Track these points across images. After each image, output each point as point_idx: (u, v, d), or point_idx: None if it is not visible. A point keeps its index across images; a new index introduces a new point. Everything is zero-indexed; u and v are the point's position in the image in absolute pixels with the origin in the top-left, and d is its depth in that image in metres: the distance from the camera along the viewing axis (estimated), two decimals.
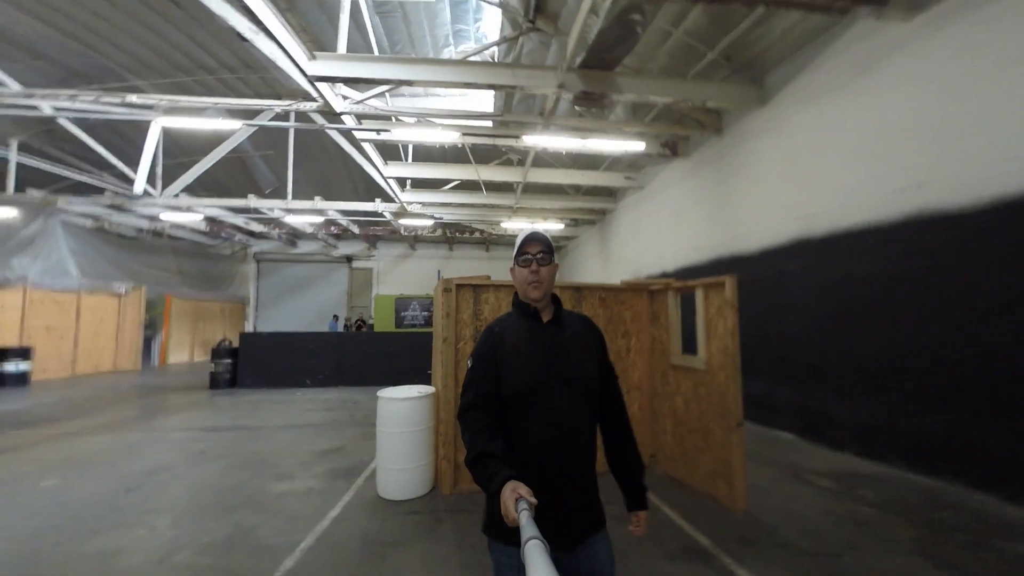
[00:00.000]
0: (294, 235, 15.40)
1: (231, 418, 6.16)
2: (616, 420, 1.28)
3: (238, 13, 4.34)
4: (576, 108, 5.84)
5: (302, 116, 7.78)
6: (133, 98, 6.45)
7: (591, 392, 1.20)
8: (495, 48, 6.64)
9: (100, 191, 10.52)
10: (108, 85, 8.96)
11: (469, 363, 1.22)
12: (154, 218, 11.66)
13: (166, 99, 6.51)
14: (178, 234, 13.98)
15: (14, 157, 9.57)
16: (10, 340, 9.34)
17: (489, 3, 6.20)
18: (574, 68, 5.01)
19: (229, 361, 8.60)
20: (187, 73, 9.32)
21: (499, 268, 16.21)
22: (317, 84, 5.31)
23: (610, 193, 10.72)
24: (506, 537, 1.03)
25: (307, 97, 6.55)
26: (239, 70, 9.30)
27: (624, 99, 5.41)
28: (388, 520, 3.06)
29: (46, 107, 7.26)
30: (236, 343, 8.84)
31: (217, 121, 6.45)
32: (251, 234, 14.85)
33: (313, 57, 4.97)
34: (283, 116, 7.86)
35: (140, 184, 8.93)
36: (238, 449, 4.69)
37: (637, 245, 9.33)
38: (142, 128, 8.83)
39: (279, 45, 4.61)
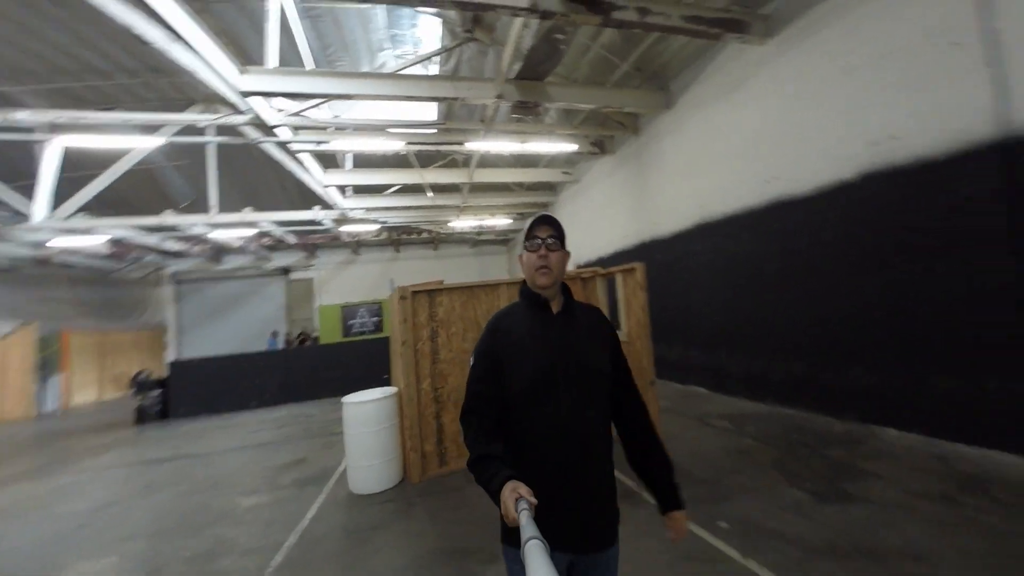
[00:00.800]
0: (219, 251, 14.38)
1: (171, 448, 5.90)
2: (637, 416, 1.24)
3: (147, 21, 4.20)
4: (513, 115, 6.38)
5: (226, 127, 7.48)
6: (22, 115, 5.87)
7: (603, 385, 1.17)
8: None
9: None
10: None
11: (471, 361, 1.20)
12: (39, 245, 10.33)
13: (64, 115, 6.00)
14: (71, 260, 12.45)
15: None
16: None
17: (427, 13, 6.50)
18: (511, 80, 5.51)
19: (158, 392, 8.04)
20: (75, 78, 8.44)
21: (449, 267, 16.43)
22: (248, 99, 5.28)
23: (551, 188, 11.44)
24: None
25: (228, 104, 6.34)
26: (140, 73, 8.59)
27: (555, 106, 6.03)
28: (364, 511, 3.35)
29: None
30: (156, 373, 8.27)
31: (130, 139, 6.08)
32: (165, 254, 13.63)
33: (245, 71, 4.95)
34: (196, 127, 7.46)
35: (41, 212, 8.01)
36: (188, 476, 4.62)
37: (577, 234, 10.13)
38: (22, 145, 7.89)
39: (201, 58, 4.56)
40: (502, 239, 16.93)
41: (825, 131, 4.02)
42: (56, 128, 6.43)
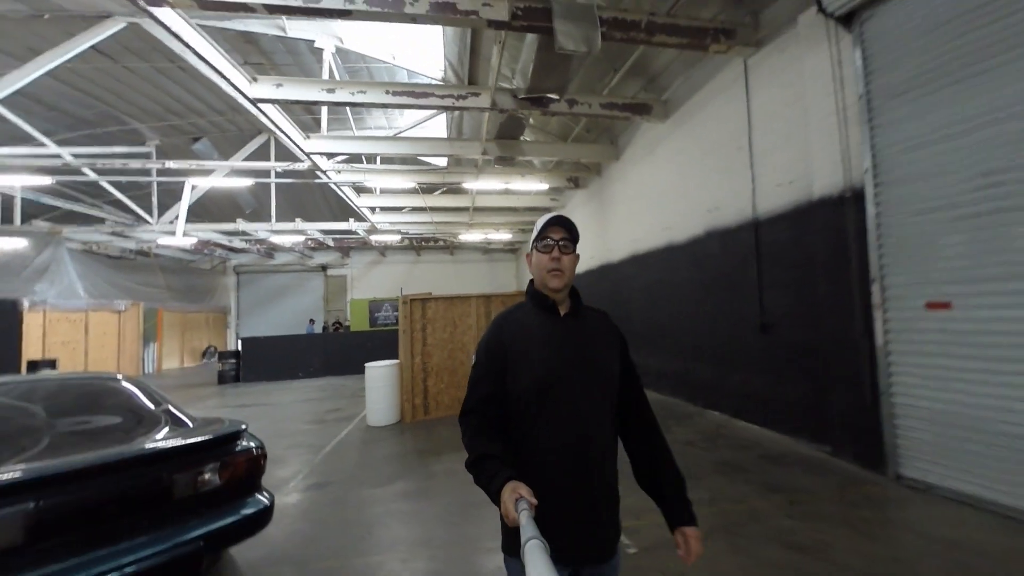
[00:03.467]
0: (272, 248, 17.74)
1: (252, 399, 8.78)
2: (646, 426, 1.22)
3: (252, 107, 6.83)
4: (496, 165, 8.68)
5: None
6: (170, 164, 8.90)
7: (612, 391, 1.17)
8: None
9: (97, 219, 12.77)
10: (108, 128, 11.24)
11: (473, 359, 1.21)
12: (146, 241, 13.89)
13: (195, 164, 8.98)
14: (163, 252, 16.17)
15: (18, 193, 11.68)
16: (36, 354, 11.58)
17: (433, 79, 8.93)
18: (491, 140, 7.83)
19: (234, 361, 11.15)
20: (180, 116, 11.66)
21: (464, 270, 19.00)
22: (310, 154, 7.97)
23: (546, 209, 13.64)
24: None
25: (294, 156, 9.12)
26: (225, 112, 11.69)
27: (527, 159, 8.29)
28: (374, 432, 5.85)
29: (72, 160, 9.54)
30: (221, 349, 11.33)
31: (235, 180, 8.96)
32: (231, 249, 17.12)
33: (307, 137, 7.62)
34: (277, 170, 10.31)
35: (160, 227, 11.23)
36: (269, 414, 7.37)
37: None
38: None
39: (281, 130, 7.24)
40: (510, 248, 19.23)
41: (693, 196, 5.98)
42: (189, 172, 9.50)
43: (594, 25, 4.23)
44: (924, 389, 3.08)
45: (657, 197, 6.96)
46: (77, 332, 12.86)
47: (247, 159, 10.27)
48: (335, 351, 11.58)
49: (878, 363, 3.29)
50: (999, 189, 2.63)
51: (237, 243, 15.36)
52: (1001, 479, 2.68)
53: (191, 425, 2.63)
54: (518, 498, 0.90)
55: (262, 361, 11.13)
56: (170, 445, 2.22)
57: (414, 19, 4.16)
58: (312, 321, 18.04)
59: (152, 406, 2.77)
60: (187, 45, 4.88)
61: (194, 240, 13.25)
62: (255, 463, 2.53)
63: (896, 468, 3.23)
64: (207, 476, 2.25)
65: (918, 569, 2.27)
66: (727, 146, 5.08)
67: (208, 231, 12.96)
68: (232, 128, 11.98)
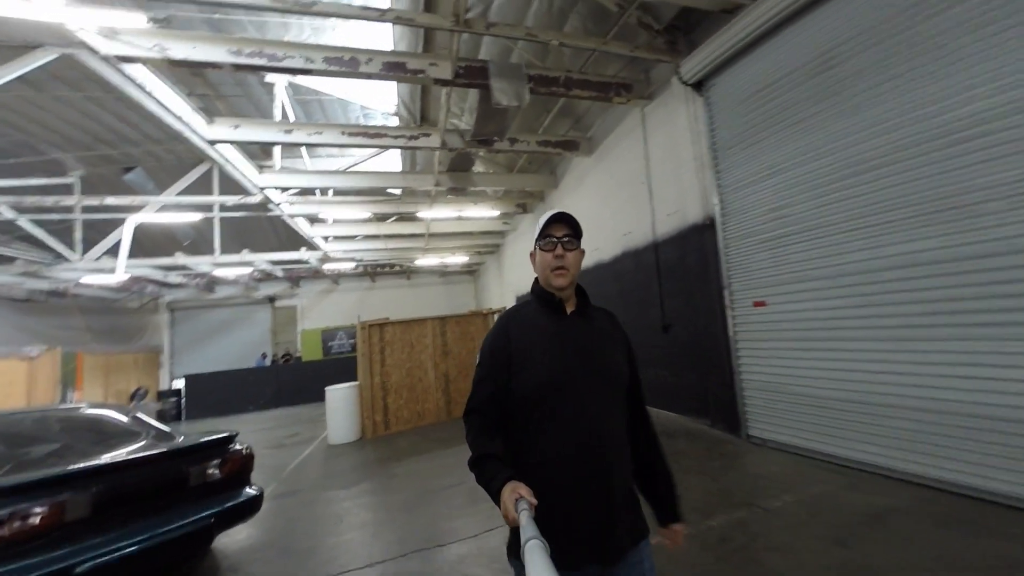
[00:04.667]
0: (212, 282, 17.20)
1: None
2: (644, 426, 1.28)
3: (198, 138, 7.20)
4: (448, 195, 9.54)
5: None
6: (111, 200, 8.85)
7: (622, 390, 1.20)
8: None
9: (5, 258, 11.98)
10: (23, 158, 10.84)
11: (477, 359, 1.23)
12: (66, 281, 13.10)
13: (137, 200, 9.00)
14: (82, 292, 15.19)
15: None
16: None
17: (385, 113, 9.69)
18: (444, 172, 8.65)
19: (175, 399, 10.80)
20: (111, 146, 11.46)
21: (421, 294, 19.43)
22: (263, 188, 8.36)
23: (499, 233, 14.62)
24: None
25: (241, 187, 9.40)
26: (163, 141, 11.64)
27: (477, 189, 9.19)
28: (336, 449, 6.34)
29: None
30: (151, 391, 11.01)
31: (184, 215, 9.07)
32: (165, 285, 16.41)
33: (261, 171, 8.05)
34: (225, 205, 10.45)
35: (85, 264, 10.82)
36: None
37: (517, 271, 13.28)
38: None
39: (235, 167, 7.63)
40: (468, 270, 19.99)
41: (613, 221, 7.19)
42: (129, 208, 9.42)
43: (523, 81, 5.26)
44: (756, 367, 4.35)
45: (588, 222, 7.86)
46: None
47: (188, 188, 10.34)
48: (287, 382, 11.61)
49: (731, 351, 4.55)
50: (781, 220, 3.99)
51: (173, 278, 14.85)
52: (798, 427, 3.92)
53: (177, 440, 3.07)
54: (518, 498, 0.92)
55: (207, 397, 10.93)
56: (185, 445, 2.71)
57: (368, 76, 4.97)
58: (264, 355, 17.55)
59: (131, 423, 3.21)
60: (149, 94, 5.33)
61: (124, 278, 12.73)
62: (246, 461, 3.09)
63: (746, 430, 4.45)
64: (211, 470, 2.75)
65: (733, 492, 3.38)
66: (634, 181, 6.29)
67: (143, 267, 12.55)
68: (170, 157, 11.92)
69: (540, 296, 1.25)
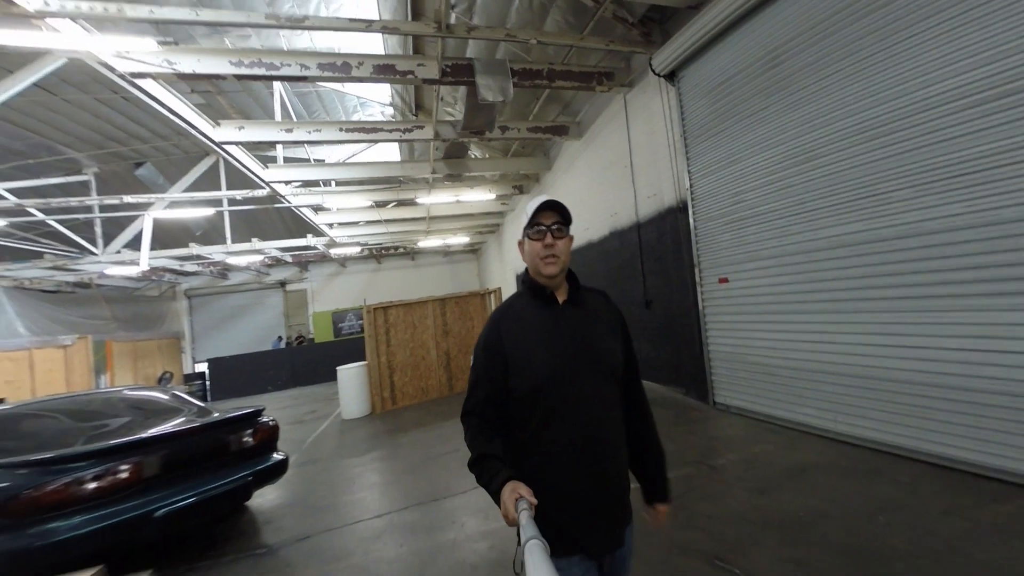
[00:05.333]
0: (226, 269, 17.98)
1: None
2: (639, 407, 1.30)
3: (205, 139, 7.70)
4: (445, 181, 9.92)
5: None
6: (128, 198, 9.44)
7: (618, 379, 1.22)
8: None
9: (33, 254, 12.80)
10: (41, 159, 11.44)
11: (472, 359, 1.24)
12: (91, 273, 13.94)
13: (155, 197, 9.57)
14: (104, 282, 16.09)
15: None
16: None
17: (383, 104, 10.00)
18: (439, 159, 9.03)
19: (200, 382, 11.70)
20: (121, 144, 12.00)
21: (426, 274, 20.03)
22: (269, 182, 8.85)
23: (499, 214, 14.98)
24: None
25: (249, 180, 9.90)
26: (170, 137, 12.14)
27: (475, 174, 9.56)
28: (350, 423, 7.05)
29: (17, 200, 9.85)
30: (177, 374, 11.89)
31: (198, 210, 9.63)
32: (181, 273, 17.23)
33: (266, 167, 8.52)
34: (235, 199, 10.98)
35: (107, 257, 11.56)
36: None
37: (515, 250, 13.72)
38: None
39: (241, 164, 8.12)
40: (471, 249, 20.44)
41: (601, 203, 7.56)
42: (145, 205, 10.01)
43: (507, 77, 5.59)
44: (721, 338, 4.83)
45: (578, 203, 8.46)
46: (22, 371, 12.96)
47: (197, 181, 10.86)
48: (302, 363, 12.42)
49: (701, 324, 5.01)
50: (741, 204, 4.37)
51: (188, 267, 15.61)
52: (754, 394, 4.43)
53: (215, 415, 3.71)
54: (518, 498, 0.94)
55: (229, 379, 11.80)
56: (225, 417, 3.33)
57: (360, 80, 5.33)
58: (280, 338, 18.48)
59: (173, 400, 3.86)
60: (162, 104, 5.78)
61: (145, 268, 13.50)
62: (273, 431, 3.73)
63: (713, 397, 4.97)
64: (246, 439, 3.38)
65: (687, 452, 3.89)
66: (618, 164, 6.62)
67: (161, 257, 13.28)
68: (177, 152, 12.44)
69: (531, 287, 1.25)
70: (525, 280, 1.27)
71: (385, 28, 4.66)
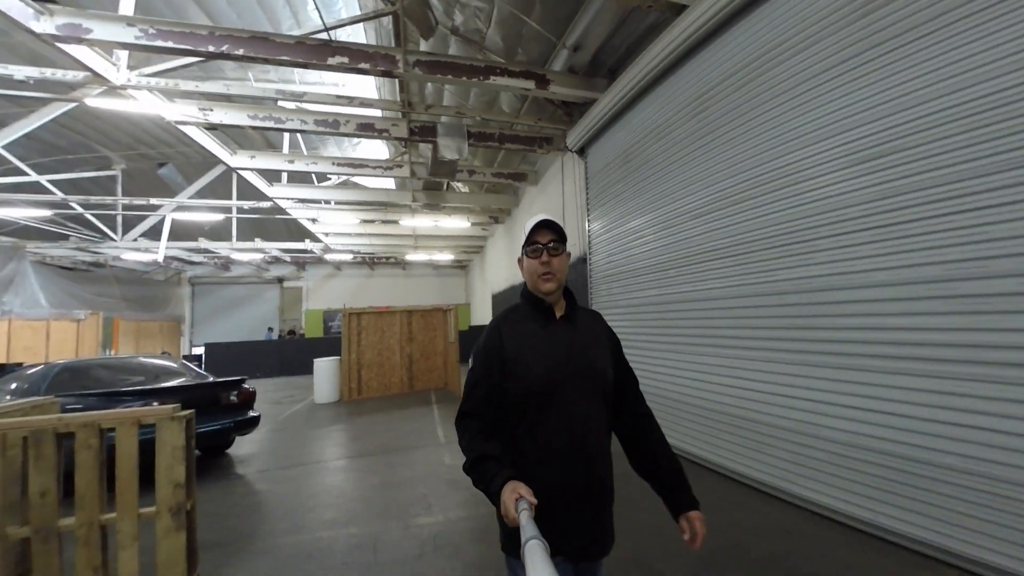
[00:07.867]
0: (228, 261, 19.79)
1: None
2: (642, 420, 1.36)
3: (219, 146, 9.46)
4: (424, 209, 11.69)
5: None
6: (153, 200, 11.25)
7: (607, 393, 1.28)
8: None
9: (60, 235, 14.63)
10: (79, 154, 13.33)
11: (471, 362, 1.28)
12: (110, 256, 15.79)
13: (175, 202, 11.37)
14: (117, 264, 17.96)
15: None
16: (1, 358, 13.36)
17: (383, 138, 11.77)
18: (419, 189, 10.73)
19: (196, 363, 13.36)
20: (149, 147, 13.86)
21: (416, 284, 21.68)
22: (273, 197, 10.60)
23: (480, 237, 16.69)
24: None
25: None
26: (190, 143, 13.98)
27: (451, 205, 11.27)
28: (319, 407, 8.61)
29: (62, 196, 11.67)
30: (175, 355, 13.55)
31: (208, 215, 11.41)
32: (188, 262, 19.07)
33: (271, 185, 10.27)
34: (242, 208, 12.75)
35: (125, 244, 13.37)
36: None
37: (494, 271, 15.36)
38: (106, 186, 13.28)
39: (251, 183, 9.87)
40: (459, 265, 22.11)
41: None
42: (164, 206, 11.82)
43: (464, 139, 7.25)
44: None
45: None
46: (39, 339, 14.67)
47: (210, 184, 12.66)
48: (290, 354, 14.05)
49: None
50: (615, 262, 5.88)
51: (196, 257, 17.42)
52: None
53: (210, 378, 5.30)
54: (518, 498, 0.98)
55: (222, 363, 13.43)
56: (219, 380, 4.94)
57: (346, 135, 7.04)
58: (271, 329, 20.17)
59: (180, 367, 5.48)
60: (193, 140, 7.52)
61: (161, 259, 15.32)
62: (252, 395, 5.31)
63: None
64: (232, 397, 4.97)
65: None
66: (557, 214, 8.26)
67: (173, 248, 15.07)
68: (196, 156, 14.30)
69: (530, 300, 1.32)
70: (524, 293, 1.36)
71: (363, 103, 6.40)
